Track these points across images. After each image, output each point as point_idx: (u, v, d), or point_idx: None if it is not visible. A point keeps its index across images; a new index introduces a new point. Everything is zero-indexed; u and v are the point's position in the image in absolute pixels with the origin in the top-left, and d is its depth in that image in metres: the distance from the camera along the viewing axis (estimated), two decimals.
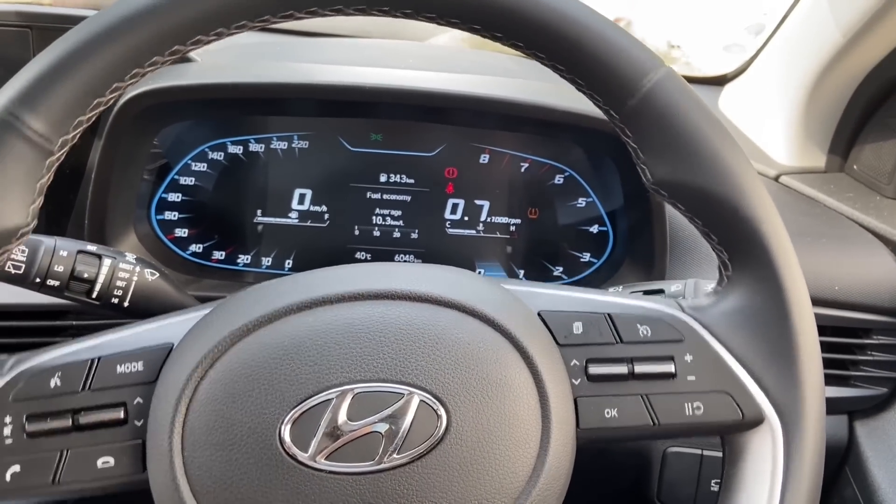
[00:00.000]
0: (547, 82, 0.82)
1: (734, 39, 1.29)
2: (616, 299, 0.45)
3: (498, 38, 0.41)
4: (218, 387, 0.39)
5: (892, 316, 0.79)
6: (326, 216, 0.81)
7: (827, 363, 0.80)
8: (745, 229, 0.41)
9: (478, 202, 0.81)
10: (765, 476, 0.42)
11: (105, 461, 0.40)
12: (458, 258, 0.82)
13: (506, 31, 0.40)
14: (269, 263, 0.81)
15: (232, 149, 0.78)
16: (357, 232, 0.81)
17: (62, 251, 0.54)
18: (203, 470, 0.38)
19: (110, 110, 0.70)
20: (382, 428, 0.38)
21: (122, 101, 0.69)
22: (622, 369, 0.42)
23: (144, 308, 0.55)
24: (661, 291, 0.59)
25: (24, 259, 0.53)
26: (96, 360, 0.41)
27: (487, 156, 0.80)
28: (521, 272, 0.83)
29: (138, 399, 0.41)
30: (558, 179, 0.81)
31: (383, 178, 0.80)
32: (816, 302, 0.81)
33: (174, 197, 0.79)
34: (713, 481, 0.80)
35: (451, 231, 0.82)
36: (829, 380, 0.80)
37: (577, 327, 0.43)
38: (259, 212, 0.80)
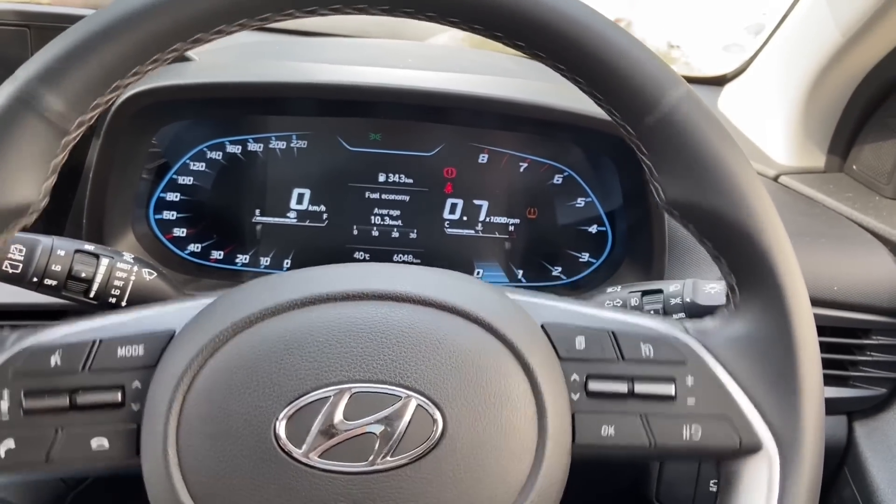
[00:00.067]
0: (546, 82, 0.82)
1: (734, 39, 1.28)
2: (621, 316, 0.44)
3: (519, 47, 0.41)
4: (217, 376, 0.39)
5: (891, 316, 0.79)
6: (325, 216, 0.80)
7: (826, 363, 0.80)
8: (756, 256, 0.41)
9: (476, 202, 0.81)
10: None
11: (99, 442, 0.40)
12: (457, 258, 0.82)
13: (528, 40, 0.40)
14: (268, 263, 0.81)
15: (230, 148, 0.78)
16: (356, 232, 0.81)
17: (60, 251, 0.54)
18: (196, 459, 0.38)
19: (108, 109, 0.70)
20: (378, 429, 0.38)
21: (119, 100, 0.69)
22: (622, 387, 0.42)
23: None
24: (659, 291, 0.59)
25: (22, 258, 0.53)
26: (98, 342, 0.41)
27: (486, 155, 0.80)
28: (520, 272, 0.83)
29: (136, 383, 0.41)
30: (557, 179, 0.81)
31: (382, 178, 0.80)
32: (815, 302, 0.81)
33: (172, 196, 0.79)
34: (711, 482, 0.80)
35: (449, 231, 0.81)
36: (828, 380, 0.80)
37: (580, 342, 0.43)
38: (257, 211, 0.80)
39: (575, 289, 0.83)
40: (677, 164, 0.41)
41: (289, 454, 0.37)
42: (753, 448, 0.42)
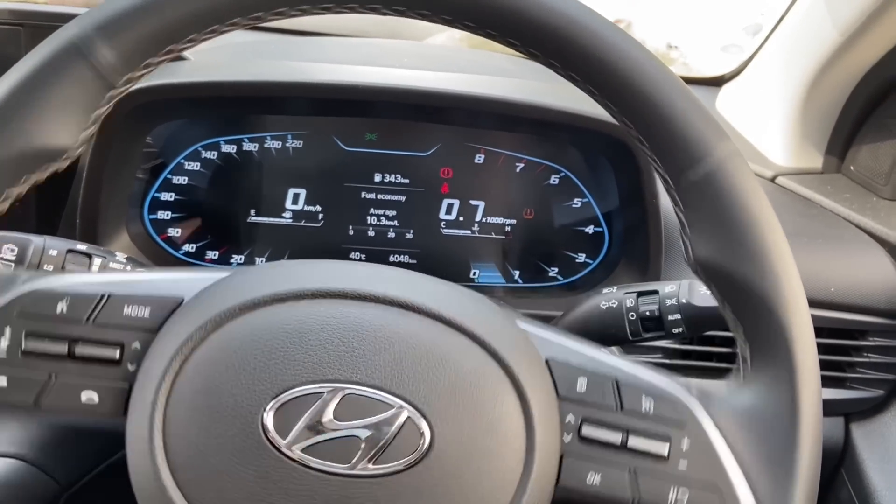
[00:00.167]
0: (543, 82, 0.81)
1: (732, 40, 1.28)
2: (627, 365, 0.43)
3: (573, 79, 0.41)
4: (216, 352, 0.39)
5: (888, 318, 0.79)
6: (321, 216, 0.80)
7: (823, 365, 0.80)
8: (774, 332, 0.40)
9: (473, 202, 0.81)
10: None
11: (89, 396, 0.40)
12: (453, 259, 0.82)
13: (585, 74, 0.40)
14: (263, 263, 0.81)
15: (225, 148, 0.78)
16: (351, 232, 0.81)
17: (52, 250, 0.54)
18: (180, 429, 0.38)
19: None
20: (364, 434, 0.37)
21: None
22: (616, 437, 0.41)
23: None
24: (655, 292, 0.59)
25: (13, 258, 0.53)
26: (106, 297, 0.41)
27: (483, 156, 0.80)
28: (517, 273, 0.83)
29: (136, 344, 0.41)
30: (554, 180, 0.80)
31: (378, 178, 0.79)
32: (812, 304, 0.80)
33: (167, 196, 0.78)
34: None
35: (446, 231, 0.81)
36: (826, 382, 0.80)
37: (582, 384, 0.42)
38: (253, 211, 0.80)
39: (571, 289, 0.83)
40: (711, 225, 0.41)
41: (272, 442, 0.37)
42: None
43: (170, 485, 0.37)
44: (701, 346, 0.81)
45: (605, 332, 0.60)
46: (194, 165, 0.78)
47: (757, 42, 1.10)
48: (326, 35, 1.11)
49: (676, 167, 0.41)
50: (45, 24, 0.78)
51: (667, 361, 0.81)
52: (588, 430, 0.41)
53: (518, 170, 0.80)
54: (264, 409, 0.37)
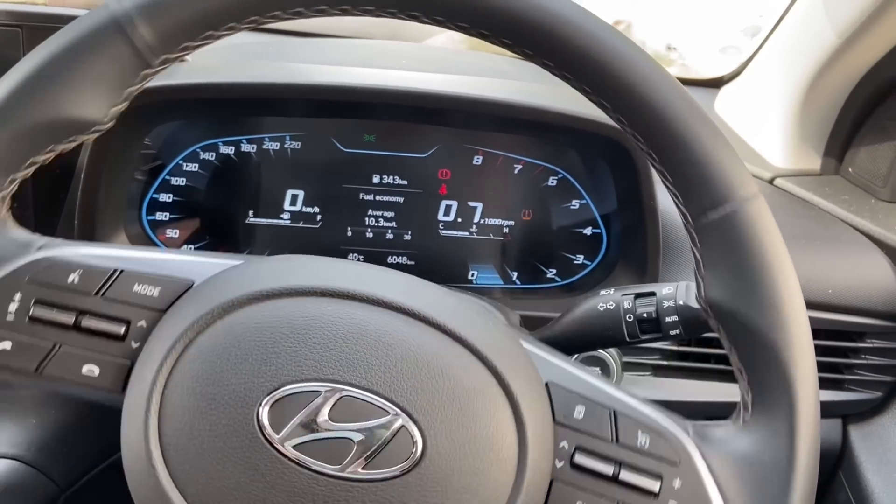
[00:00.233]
0: (541, 84, 0.81)
1: (730, 41, 1.28)
2: (627, 398, 0.43)
3: (605, 108, 0.41)
4: (219, 340, 0.39)
5: (886, 319, 0.79)
6: (319, 217, 0.80)
7: (821, 367, 0.80)
8: (779, 383, 0.40)
9: (471, 204, 0.81)
10: None
11: (90, 369, 0.41)
12: (452, 260, 0.82)
13: (616, 103, 0.40)
14: None
15: (224, 149, 0.78)
16: (350, 233, 0.81)
17: None
18: (176, 411, 0.38)
19: None
20: (357, 437, 0.37)
21: None
22: (608, 469, 0.41)
23: None
24: (652, 294, 0.58)
25: None
26: (118, 272, 0.41)
27: (481, 157, 0.80)
28: (515, 274, 0.83)
29: (143, 322, 0.41)
30: (552, 181, 0.80)
31: (376, 180, 0.79)
32: (811, 305, 0.80)
33: (165, 197, 0.78)
34: None
35: (444, 233, 0.81)
36: (824, 383, 0.79)
37: (579, 411, 0.42)
38: (251, 212, 0.80)
39: (569, 291, 0.83)
40: (726, 268, 0.40)
41: (265, 436, 0.37)
42: None
43: (159, 465, 0.37)
44: (698, 347, 0.81)
45: (602, 333, 0.60)
46: (192, 166, 0.78)
47: (755, 44, 1.10)
48: (325, 36, 1.11)
49: (698, 206, 0.41)
50: (44, 25, 0.78)
51: (664, 363, 0.81)
52: (581, 459, 0.41)
53: (516, 171, 0.80)
54: (261, 402, 0.37)
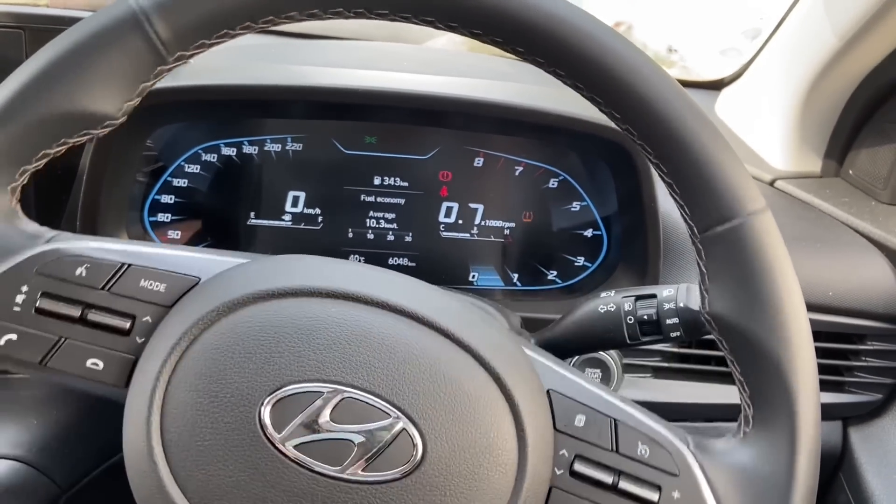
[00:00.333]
0: (542, 86, 0.82)
1: (731, 44, 1.29)
2: (628, 408, 0.43)
3: (615, 118, 0.41)
4: (224, 338, 0.39)
5: (886, 322, 0.79)
6: (320, 219, 0.80)
7: (821, 369, 0.80)
8: (780, 398, 0.40)
9: (472, 205, 0.81)
10: None
11: (94, 362, 0.41)
12: (452, 262, 0.82)
13: (623, 113, 0.41)
14: None
15: (225, 151, 0.78)
16: (351, 235, 0.81)
17: None
18: (178, 408, 0.38)
19: None
20: (358, 440, 0.37)
21: None
22: (607, 478, 0.41)
23: None
24: (653, 296, 0.59)
25: None
26: (125, 266, 0.42)
27: (482, 159, 0.80)
28: (515, 276, 0.83)
29: (148, 318, 0.41)
30: (553, 183, 0.81)
31: (377, 181, 0.80)
32: (811, 308, 0.80)
33: (167, 199, 0.79)
34: None
35: (445, 234, 0.81)
36: (824, 385, 0.79)
37: (580, 420, 0.42)
38: (252, 214, 0.80)
39: (570, 292, 0.83)
40: (731, 281, 0.40)
41: (266, 435, 0.37)
42: None
43: (160, 462, 0.38)
44: (699, 349, 0.81)
45: (603, 335, 0.60)
46: (194, 168, 0.78)
47: (756, 46, 1.10)
48: (327, 38, 1.11)
49: (705, 220, 0.41)
50: (46, 27, 0.78)
51: (665, 365, 0.81)
52: (580, 467, 0.41)
53: (517, 173, 0.80)
54: (263, 401, 0.37)
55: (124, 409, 0.40)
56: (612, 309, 0.59)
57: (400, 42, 1.14)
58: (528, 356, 0.43)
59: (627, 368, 0.79)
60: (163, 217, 0.79)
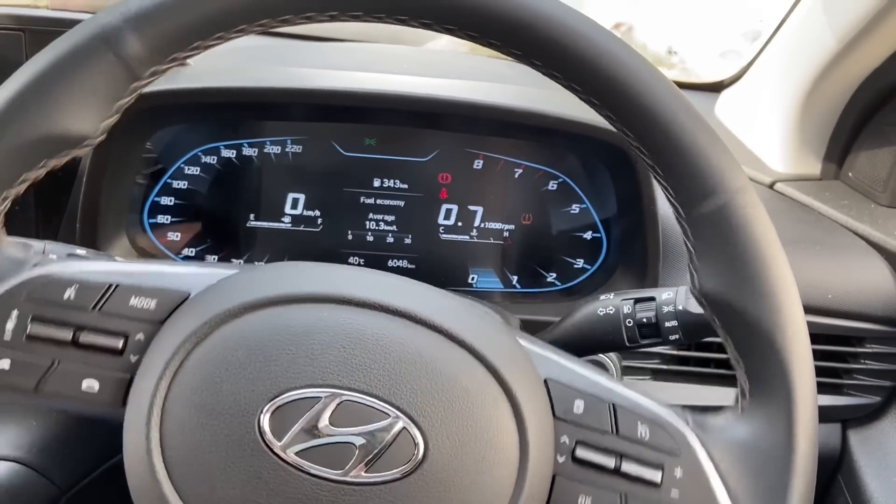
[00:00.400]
0: (541, 88, 0.82)
1: (730, 46, 1.29)
2: (626, 391, 0.43)
3: (593, 104, 0.41)
4: (218, 350, 0.39)
5: (885, 324, 0.79)
6: (320, 221, 0.80)
7: (820, 371, 0.81)
8: (775, 369, 0.40)
9: (471, 208, 0.81)
10: None
11: (90, 384, 0.40)
12: (452, 264, 0.82)
13: (605, 101, 0.41)
14: None
15: (225, 153, 0.78)
16: (350, 237, 0.81)
17: (51, 255, 0.54)
18: (177, 424, 0.38)
19: None
20: (359, 441, 0.37)
21: None
22: (609, 462, 0.41)
23: None
24: (652, 299, 0.59)
25: None
26: (114, 286, 0.41)
27: (481, 161, 0.80)
28: (515, 278, 0.83)
29: (140, 335, 0.41)
30: (552, 185, 0.81)
31: (377, 183, 0.80)
32: (810, 310, 0.81)
33: (167, 201, 0.79)
34: None
35: (444, 236, 0.81)
36: (823, 388, 0.80)
37: (579, 406, 0.42)
38: (252, 216, 0.80)
39: (569, 295, 0.83)
40: (719, 259, 0.41)
41: (267, 444, 0.37)
42: None
43: (163, 479, 0.37)
44: (698, 352, 0.81)
45: (602, 338, 0.60)
46: (194, 170, 0.78)
47: (756, 48, 1.10)
48: (327, 40, 1.11)
49: (689, 198, 0.41)
50: (46, 29, 0.78)
51: (664, 367, 0.81)
52: (582, 453, 0.41)
53: (516, 175, 0.80)
54: (262, 410, 0.37)
55: (123, 428, 0.39)
56: (611, 312, 0.60)
57: (400, 44, 1.14)
58: (523, 347, 0.43)
59: (626, 371, 0.79)
60: (162, 219, 0.79)
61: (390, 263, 0.82)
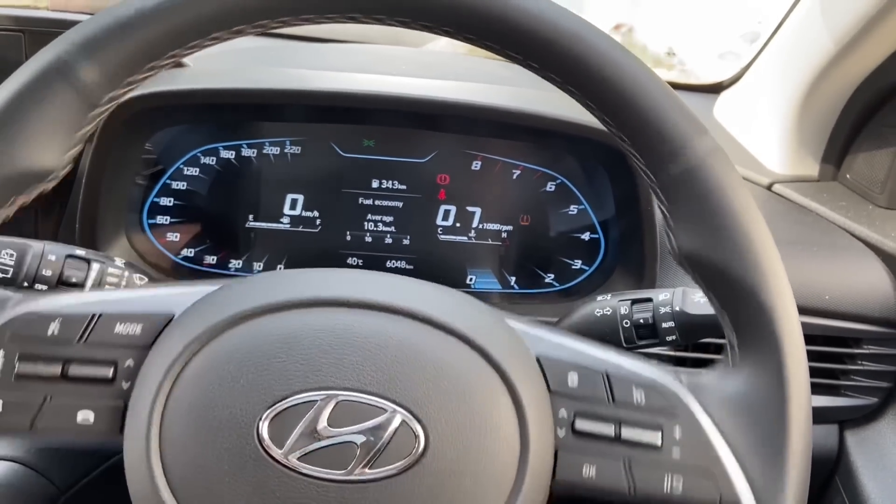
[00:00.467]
0: (539, 90, 0.82)
1: (729, 47, 1.29)
2: (617, 358, 0.44)
3: (552, 79, 0.41)
4: (208, 365, 0.39)
5: (882, 326, 0.79)
6: (318, 221, 0.81)
7: (817, 373, 0.81)
8: (759, 318, 0.41)
9: (470, 209, 0.81)
10: None
11: (85, 416, 0.40)
12: (450, 264, 0.82)
13: (564, 74, 0.41)
14: (261, 268, 0.81)
15: (224, 154, 0.78)
16: (349, 237, 0.81)
17: (51, 255, 0.54)
18: (176, 445, 0.38)
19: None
20: (359, 440, 0.38)
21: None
22: (609, 430, 0.41)
23: None
24: (649, 300, 0.59)
25: (12, 263, 0.53)
26: (97, 316, 0.41)
27: (479, 162, 0.80)
28: (513, 279, 0.83)
29: (130, 361, 0.41)
30: (550, 187, 0.81)
31: (375, 184, 0.80)
32: (807, 311, 0.81)
33: (166, 201, 0.79)
34: None
35: (442, 237, 0.82)
36: (820, 389, 0.80)
37: (573, 379, 0.42)
38: (251, 217, 0.80)
39: (567, 296, 0.83)
40: (693, 217, 0.41)
41: (268, 453, 0.37)
42: None
43: (169, 502, 0.38)
44: (695, 353, 0.81)
45: (599, 339, 0.60)
46: (193, 171, 0.78)
47: (754, 50, 1.10)
48: (326, 41, 1.11)
49: (657, 161, 0.41)
50: (46, 30, 0.78)
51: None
52: (581, 424, 0.42)
53: (514, 177, 0.81)
54: (259, 420, 0.37)
55: (123, 455, 0.39)
56: (609, 312, 0.60)
57: (398, 45, 1.15)
58: (512, 327, 0.44)
59: None
60: (162, 220, 0.79)
61: (388, 264, 0.82)
